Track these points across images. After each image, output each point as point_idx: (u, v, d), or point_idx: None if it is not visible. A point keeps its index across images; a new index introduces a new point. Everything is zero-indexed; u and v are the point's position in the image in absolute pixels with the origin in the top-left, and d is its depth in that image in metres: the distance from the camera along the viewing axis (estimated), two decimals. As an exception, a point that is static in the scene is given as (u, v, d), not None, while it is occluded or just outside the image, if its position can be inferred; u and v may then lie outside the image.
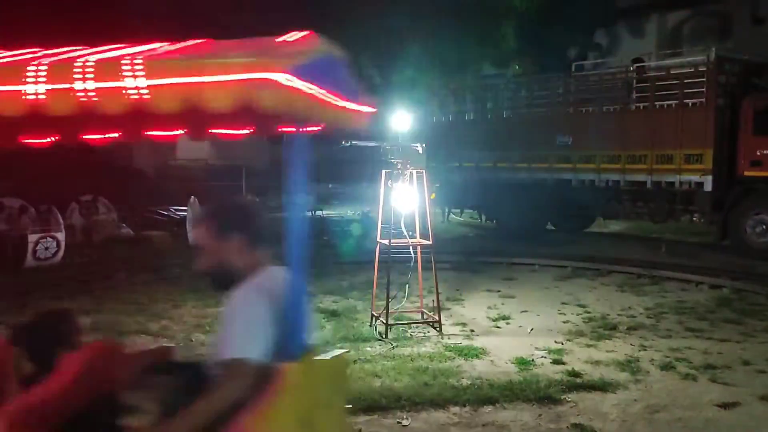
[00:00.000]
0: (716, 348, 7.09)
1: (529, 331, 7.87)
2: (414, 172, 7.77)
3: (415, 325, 7.91)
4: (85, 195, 15.16)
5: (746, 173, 12.47)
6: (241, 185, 22.20)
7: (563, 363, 6.58)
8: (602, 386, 5.90)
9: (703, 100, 12.82)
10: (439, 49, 19.89)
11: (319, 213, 18.17)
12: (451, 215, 19.07)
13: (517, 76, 18.87)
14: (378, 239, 8.06)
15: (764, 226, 12.45)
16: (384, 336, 7.44)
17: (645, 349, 7.04)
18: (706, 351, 6.98)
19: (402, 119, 7.92)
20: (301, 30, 2.34)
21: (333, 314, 8.53)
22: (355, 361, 6.55)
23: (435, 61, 20.13)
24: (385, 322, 7.55)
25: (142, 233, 15.55)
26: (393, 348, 7.07)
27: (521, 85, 16.85)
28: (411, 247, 7.87)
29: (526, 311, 8.80)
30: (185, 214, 15.18)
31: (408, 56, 20.33)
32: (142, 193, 18.81)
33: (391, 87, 21.09)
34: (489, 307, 8.98)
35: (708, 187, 12.76)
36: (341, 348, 6.99)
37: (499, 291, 10.03)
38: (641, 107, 13.89)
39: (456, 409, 5.47)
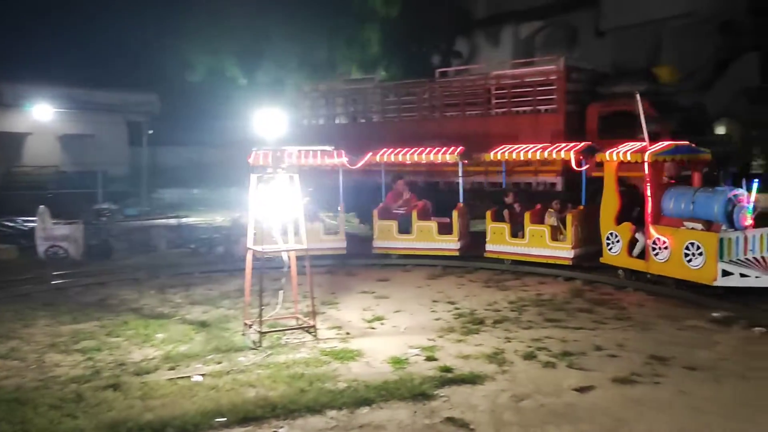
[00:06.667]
0: (572, 336, 7.62)
1: (402, 330, 8.02)
2: (286, 176, 7.65)
3: (290, 331, 7.79)
4: None
5: (594, 174, 13.52)
6: (97, 192, 20.76)
7: (436, 359, 6.78)
8: (472, 379, 6.15)
9: (555, 106, 13.78)
10: (306, 49, 19.81)
11: (184, 220, 17.39)
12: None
13: (384, 81, 19.21)
14: (249, 245, 7.85)
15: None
16: (258, 344, 7.25)
17: (510, 341, 7.42)
18: (563, 339, 7.48)
19: (272, 121, 7.76)
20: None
21: (202, 325, 8.19)
22: (227, 373, 6.34)
23: (303, 62, 20.01)
24: (258, 330, 7.37)
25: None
26: (267, 356, 6.91)
27: (389, 90, 17.16)
28: (284, 253, 7.74)
29: (399, 311, 8.97)
30: (34, 225, 13.90)
31: (275, 56, 20.04)
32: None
33: (258, 88, 20.68)
34: (364, 309, 9.05)
35: (560, 187, 13.72)
36: (212, 359, 6.76)
37: (373, 292, 10.14)
38: (500, 113, 14.66)
39: (333, 413, 5.45)
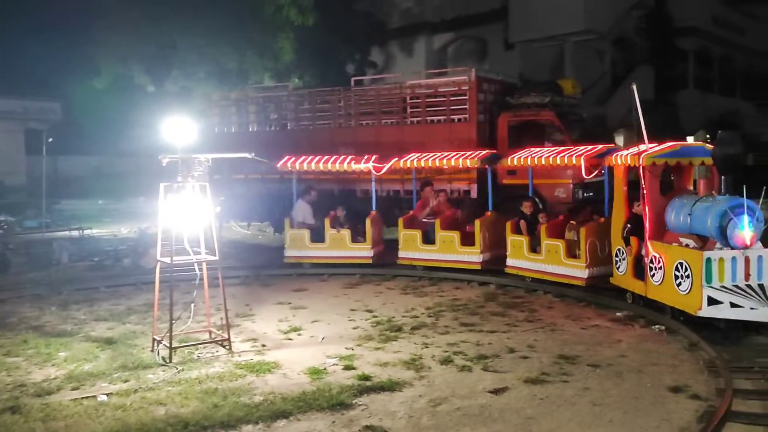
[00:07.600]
0: (486, 339, 7.82)
1: (320, 340, 7.95)
2: (197, 185, 7.43)
3: (202, 345, 7.55)
4: None
5: (505, 181, 13.96)
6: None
7: (354, 368, 6.76)
8: (390, 386, 6.18)
9: (467, 116, 14.16)
10: (217, 58, 19.38)
11: (88, 232, 16.55)
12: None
13: (298, 89, 19.06)
14: (158, 257, 7.56)
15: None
16: (168, 360, 6.98)
17: (427, 347, 7.52)
18: (478, 343, 7.66)
19: (181, 129, 7.51)
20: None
21: (108, 342, 7.80)
22: (135, 391, 6.06)
23: (213, 71, 19.57)
24: (168, 345, 7.09)
25: None
26: (179, 372, 6.67)
27: (304, 98, 17.06)
28: (196, 264, 7.51)
29: (317, 321, 8.89)
30: None
31: (184, 65, 19.49)
32: None
33: (166, 96, 20.03)
34: (280, 320, 8.91)
35: (474, 194, 14.08)
36: (119, 378, 6.44)
37: (290, 303, 10.00)
38: (416, 122, 14.91)
39: (249, 427, 5.32)
